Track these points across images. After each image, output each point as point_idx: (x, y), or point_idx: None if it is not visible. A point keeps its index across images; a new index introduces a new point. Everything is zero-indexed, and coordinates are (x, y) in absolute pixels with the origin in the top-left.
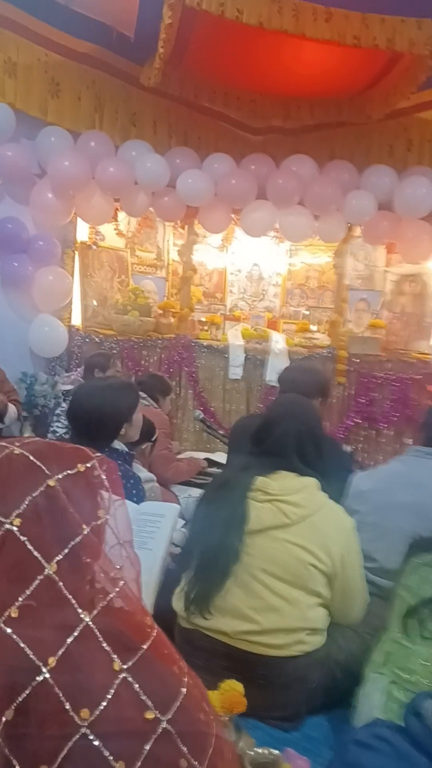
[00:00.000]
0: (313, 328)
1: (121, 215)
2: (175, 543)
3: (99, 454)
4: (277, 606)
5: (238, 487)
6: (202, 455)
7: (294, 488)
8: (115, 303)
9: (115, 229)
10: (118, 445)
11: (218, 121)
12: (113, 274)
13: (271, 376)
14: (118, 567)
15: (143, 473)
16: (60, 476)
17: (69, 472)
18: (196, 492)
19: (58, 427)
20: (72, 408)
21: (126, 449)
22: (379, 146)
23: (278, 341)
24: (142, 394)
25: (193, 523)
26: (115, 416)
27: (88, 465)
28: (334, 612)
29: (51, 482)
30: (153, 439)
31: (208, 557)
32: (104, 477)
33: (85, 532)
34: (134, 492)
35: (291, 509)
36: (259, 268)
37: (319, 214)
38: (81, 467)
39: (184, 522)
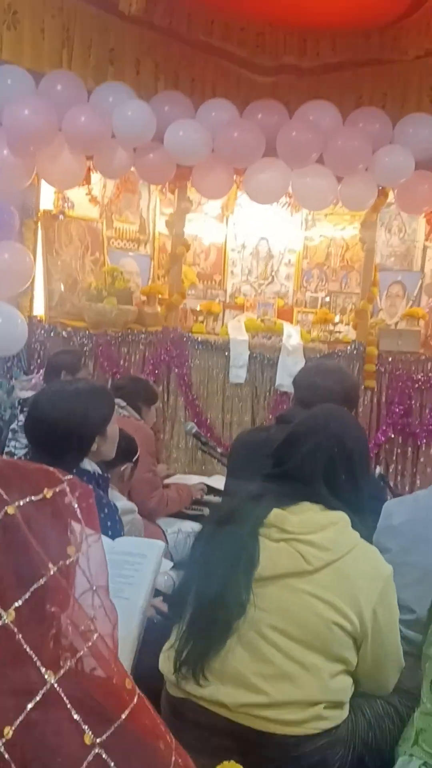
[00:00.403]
0: (336, 318)
1: (95, 177)
2: (159, 589)
3: (70, 476)
4: (290, 673)
5: (246, 521)
6: (195, 479)
7: (318, 525)
8: (87, 287)
9: (87, 195)
10: (89, 465)
11: (217, 58)
12: (85, 250)
13: (283, 379)
14: (91, 618)
15: (121, 502)
16: (21, 503)
17: (32, 497)
18: (188, 526)
19: (15, 446)
20: (31, 418)
21: (99, 471)
22: (418, 90)
23: (292, 335)
24: (120, 401)
25: (186, 565)
26: (85, 428)
27: (57, 489)
28: (361, 681)
29: (10, 509)
30: (134, 458)
31: (205, 608)
32: (76, 505)
33: (51, 573)
34: (109, 525)
35: (313, 552)
36: (267, 243)
37: (342, 175)
38: (48, 492)
39: (172, 564)
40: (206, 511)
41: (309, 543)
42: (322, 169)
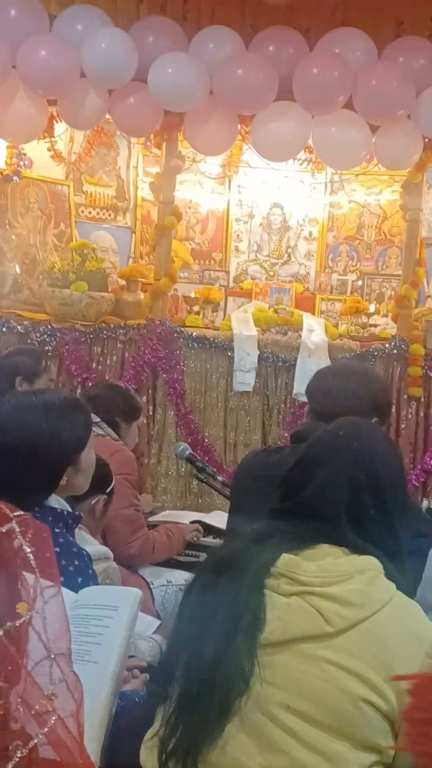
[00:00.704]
0: (371, 308)
1: (60, 127)
2: (141, 657)
3: (20, 513)
4: (308, 765)
5: (248, 569)
6: (189, 516)
7: (342, 573)
8: (49, 269)
9: (49, 150)
10: (55, 501)
11: None
12: (46, 221)
13: (302, 386)
14: (48, 695)
15: (93, 546)
16: None
17: None
18: (180, 577)
19: None
20: None
21: (68, 508)
22: None
23: (314, 330)
24: (92, 416)
25: (174, 626)
26: (53, 456)
27: (3, 530)
28: None
29: None
30: (107, 489)
31: (198, 684)
32: (28, 549)
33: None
34: (80, 582)
35: (335, 609)
36: (281, 211)
37: (378, 124)
38: None
39: (158, 623)
40: (203, 557)
41: (330, 597)
42: (352, 116)
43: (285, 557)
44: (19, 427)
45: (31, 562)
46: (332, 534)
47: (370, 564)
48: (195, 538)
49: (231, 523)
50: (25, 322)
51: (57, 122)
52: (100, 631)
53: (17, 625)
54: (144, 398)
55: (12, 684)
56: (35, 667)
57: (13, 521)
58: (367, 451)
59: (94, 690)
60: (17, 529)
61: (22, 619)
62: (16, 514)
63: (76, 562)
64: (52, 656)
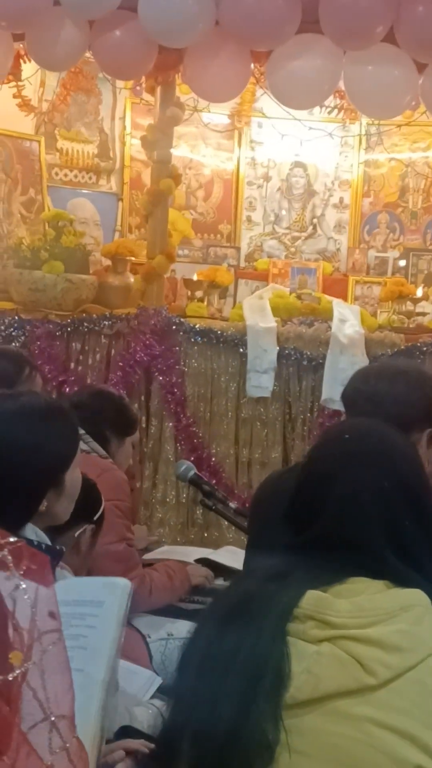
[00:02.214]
0: (418, 292)
1: (29, 69)
2: (138, 728)
3: (14, 540)
4: None
5: (267, 613)
6: (194, 553)
7: (382, 611)
8: (15, 246)
9: (15, 97)
10: (32, 532)
11: None
12: (11, 186)
13: (333, 390)
14: (47, 766)
15: None
16: None
17: None
18: (184, 629)
19: None
20: None
21: (47, 541)
22: None
23: (347, 320)
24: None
25: (176, 688)
26: (31, 475)
27: None
28: None
29: None
30: (95, 517)
31: (211, 758)
32: (23, 585)
33: None
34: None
35: (377, 656)
36: (305, 171)
37: (426, 61)
38: None
39: (160, 682)
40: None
41: (369, 641)
42: (393, 51)
43: (311, 595)
44: None
45: (27, 600)
46: (367, 562)
47: (417, 598)
48: (203, 583)
49: (249, 560)
50: None
51: (25, 62)
52: (84, 633)
53: (9, 679)
54: (135, 407)
55: (2, 753)
56: (30, 730)
57: (5, 550)
58: (385, 452)
59: (81, 705)
60: (10, 560)
61: (15, 672)
62: (8, 540)
63: None
64: (52, 719)
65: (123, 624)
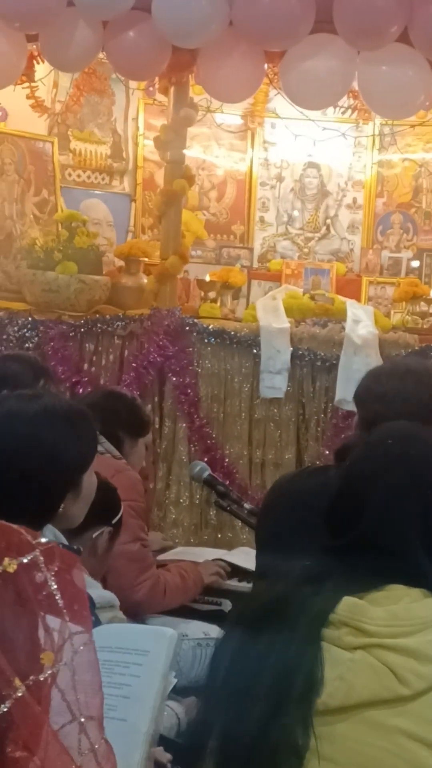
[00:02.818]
0: None
1: (43, 70)
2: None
3: (46, 541)
4: None
5: (300, 617)
6: (208, 554)
7: (419, 621)
8: (29, 246)
9: (29, 98)
10: (51, 534)
11: None
12: (24, 187)
13: (347, 391)
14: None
15: (95, 591)
16: None
17: None
18: (198, 629)
19: None
20: None
21: (65, 541)
22: None
23: (361, 321)
24: None
25: (203, 693)
26: (52, 477)
27: (25, 560)
28: None
29: None
30: (113, 520)
31: (238, 762)
32: (54, 586)
33: (18, 695)
34: None
35: (412, 666)
36: (318, 172)
37: None
38: (10, 564)
39: (174, 682)
40: (227, 604)
41: (404, 651)
42: (407, 51)
43: (347, 601)
44: (11, 439)
45: (58, 601)
46: (405, 570)
47: None
48: (216, 582)
49: (261, 562)
50: (0, 313)
51: (38, 63)
52: (128, 682)
53: (41, 679)
54: (149, 408)
55: (32, 752)
56: (58, 732)
57: (37, 550)
58: (429, 459)
59: (123, 755)
60: (41, 561)
61: (46, 672)
62: (40, 541)
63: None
64: (81, 720)
65: (169, 676)
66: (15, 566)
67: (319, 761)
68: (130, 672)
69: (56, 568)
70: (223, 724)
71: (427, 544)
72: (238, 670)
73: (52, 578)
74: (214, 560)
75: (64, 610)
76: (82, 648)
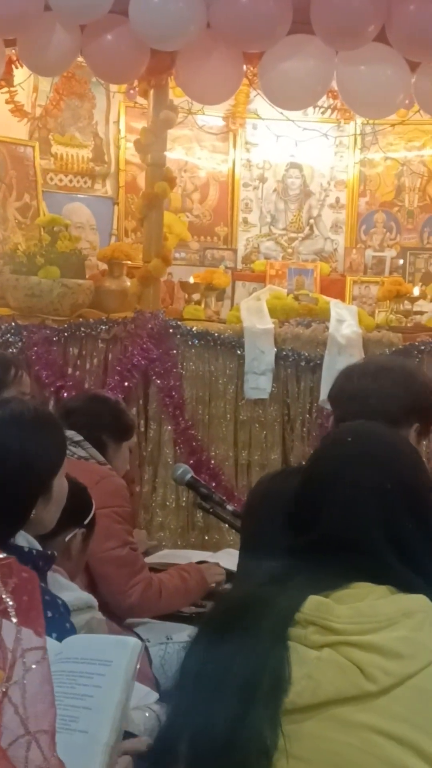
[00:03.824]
0: (415, 291)
1: (22, 74)
2: (133, 732)
3: (3, 556)
4: None
5: (267, 617)
6: (194, 556)
7: (384, 618)
8: (11, 251)
9: (8, 103)
10: (23, 539)
11: None
12: (6, 191)
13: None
14: None
15: (71, 593)
16: None
17: None
18: (185, 633)
19: None
20: None
21: (38, 547)
22: None
23: (345, 320)
24: (72, 434)
25: (175, 692)
26: (23, 483)
27: None
28: None
29: None
30: (85, 520)
31: (208, 763)
32: (10, 602)
33: None
34: (53, 632)
35: (378, 662)
36: (300, 172)
37: (418, 59)
38: None
39: (156, 696)
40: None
41: (370, 648)
42: (386, 51)
43: (312, 600)
44: None
45: (12, 618)
46: (369, 567)
47: (420, 604)
48: (218, 582)
49: (243, 562)
50: None
51: (17, 68)
52: (90, 692)
53: None
54: (134, 411)
55: None
56: (8, 747)
57: None
58: (388, 454)
59: (82, 767)
60: None
61: None
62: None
63: (49, 614)
64: (31, 733)
65: (131, 686)
66: None
67: (287, 760)
68: (93, 683)
69: (13, 584)
70: (193, 727)
71: (391, 538)
72: (206, 671)
73: (8, 595)
74: (198, 563)
75: (19, 627)
76: (34, 666)
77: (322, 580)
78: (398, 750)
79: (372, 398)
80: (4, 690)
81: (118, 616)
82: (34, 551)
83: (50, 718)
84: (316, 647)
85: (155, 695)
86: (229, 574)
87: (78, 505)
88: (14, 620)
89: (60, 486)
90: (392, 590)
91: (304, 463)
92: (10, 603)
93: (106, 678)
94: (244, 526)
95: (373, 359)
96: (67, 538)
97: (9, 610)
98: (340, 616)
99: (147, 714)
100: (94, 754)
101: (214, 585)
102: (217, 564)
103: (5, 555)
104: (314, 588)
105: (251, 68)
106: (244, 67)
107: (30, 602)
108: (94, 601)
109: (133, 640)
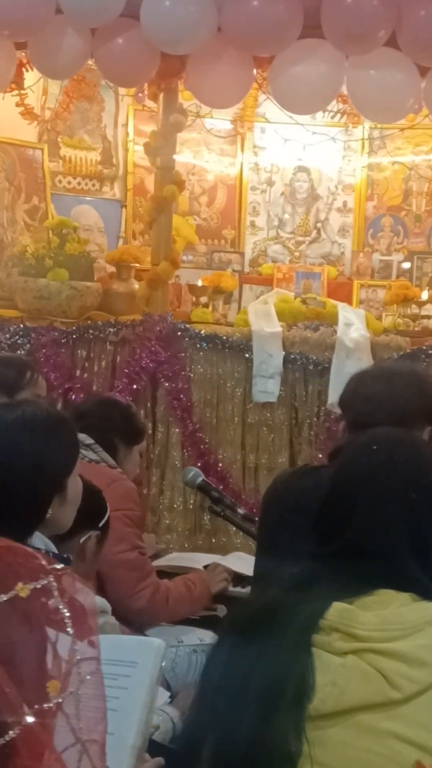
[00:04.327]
0: (424, 295)
1: (32, 77)
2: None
3: (60, 567)
4: None
5: (291, 623)
6: (203, 559)
7: (409, 625)
8: (19, 253)
9: (18, 105)
10: (40, 541)
11: None
12: (15, 194)
13: (340, 395)
14: None
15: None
16: None
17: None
18: (193, 637)
19: None
20: None
21: (54, 549)
22: None
23: (352, 324)
24: (84, 437)
25: (197, 699)
26: (37, 483)
27: (38, 586)
28: None
29: None
30: (100, 523)
31: (231, 761)
32: (67, 613)
33: (25, 723)
34: None
35: (402, 670)
36: (308, 176)
37: (428, 65)
38: (22, 589)
39: (169, 696)
40: (222, 610)
41: (394, 655)
42: (396, 56)
43: (337, 607)
44: None
45: (68, 629)
46: (394, 574)
47: None
48: (225, 587)
49: (260, 566)
50: None
51: (27, 71)
52: (116, 694)
53: (45, 708)
54: (141, 413)
55: None
56: (61, 755)
57: (51, 576)
58: (414, 463)
59: None
60: (54, 587)
61: (52, 702)
62: (54, 566)
63: None
64: (83, 742)
65: (156, 688)
66: (28, 591)
67: (312, 766)
68: (118, 684)
69: (69, 595)
70: (217, 731)
71: (415, 547)
72: (230, 677)
73: (65, 605)
74: (207, 566)
75: (75, 638)
76: (89, 677)
77: (345, 587)
78: (422, 758)
79: (385, 401)
80: (59, 701)
81: (125, 619)
82: (51, 554)
83: (101, 729)
84: (340, 654)
85: (167, 694)
86: (238, 577)
87: (92, 507)
88: (70, 631)
89: (74, 485)
90: (415, 597)
91: (316, 463)
92: (67, 614)
93: (131, 679)
94: (261, 529)
95: (384, 364)
96: (81, 540)
97: (65, 620)
98: (364, 623)
99: (161, 717)
100: (121, 757)
101: (222, 588)
102: (223, 567)
103: (63, 566)
104: (338, 594)
105: (261, 72)
106: (254, 71)
107: (85, 612)
108: (108, 606)
109: (157, 641)
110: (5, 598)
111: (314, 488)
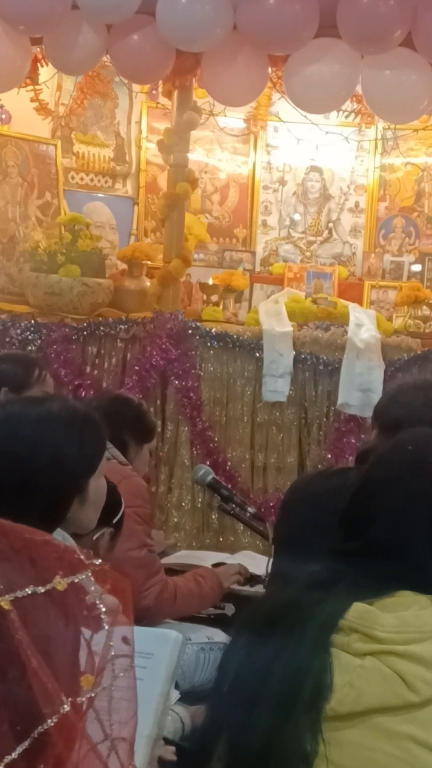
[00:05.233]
0: None
1: (46, 73)
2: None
3: (98, 562)
4: None
5: (310, 622)
6: (211, 557)
7: (428, 628)
8: (32, 249)
9: (33, 101)
10: (59, 536)
11: None
12: (28, 189)
13: (349, 395)
14: None
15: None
16: (19, 594)
17: (34, 589)
18: (202, 635)
19: None
20: None
21: (73, 544)
22: None
23: (363, 325)
24: None
25: (211, 699)
26: (57, 483)
27: (76, 580)
28: None
29: (2, 603)
30: (114, 520)
31: (246, 759)
32: (103, 609)
33: (64, 711)
34: None
35: (421, 673)
36: (320, 176)
37: None
38: (60, 582)
39: (177, 695)
40: (230, 608)
41: (414, 658)
42: (411, 56)
43: (357, 607)
44: (14, 444)
45: (105, 624)
46: (414, 576)
47: None
48: (236, 583)
49: (279, 566)
50: (2, 316)
51: (42, 66)
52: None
53: (78, 702)
54: (151, 411)
55: None
56: (88, 752)
57: (89, 570)
58: None
59: None
60: (92, 581)
61: (84, 696)
62: (92, 561)
63: (84, 613)
64: (112, 740)
65: (173, 679)
66: (65, 585)
67: (327, 767)
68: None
69: (108, 591)
70: (232, 730)
71: None
72: (246, 675)
73: (101, 600)
74: (214, 565)
75: (110, 634)
76: (122, 674)
77: (366, 588)
78: None
79: (420, 409)
80: (92, 696)
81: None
82: None
83: (131, 727)
84: (359, 655)
85: (176, 693)
86: (252, 577)
87: (109, 504)
88: (106, 627)
89: (97, 487)
90: None
91: (320, 466)
92: (103, 609)
93: (147, 671)
94: (278, 526)
95: (418, 377)
96: (95, 537)
97: (101, 616)
98: (384, 624)
99: (170, 718)
100: (138, 746)
101: (234, 584)
102: (239, 565)
103: (98, 561)
104: (358, 595)
105: (276, 71)
106: (269, 69)
107: (120, 609)
108: (118, 603)
109: (174, 633)
110: (43, 591)
111: (341, 488)
